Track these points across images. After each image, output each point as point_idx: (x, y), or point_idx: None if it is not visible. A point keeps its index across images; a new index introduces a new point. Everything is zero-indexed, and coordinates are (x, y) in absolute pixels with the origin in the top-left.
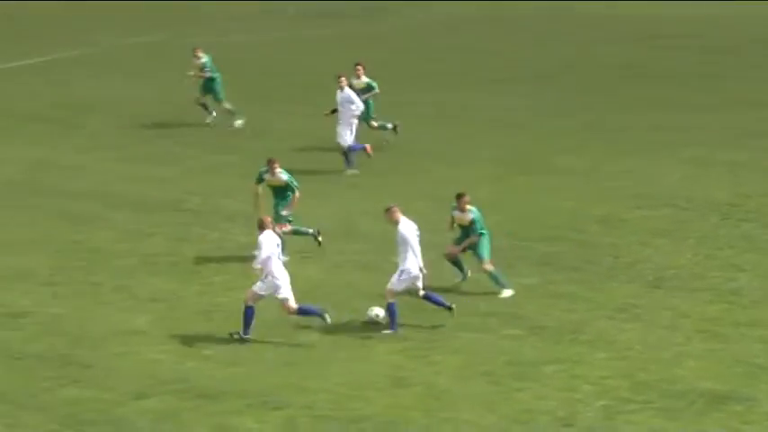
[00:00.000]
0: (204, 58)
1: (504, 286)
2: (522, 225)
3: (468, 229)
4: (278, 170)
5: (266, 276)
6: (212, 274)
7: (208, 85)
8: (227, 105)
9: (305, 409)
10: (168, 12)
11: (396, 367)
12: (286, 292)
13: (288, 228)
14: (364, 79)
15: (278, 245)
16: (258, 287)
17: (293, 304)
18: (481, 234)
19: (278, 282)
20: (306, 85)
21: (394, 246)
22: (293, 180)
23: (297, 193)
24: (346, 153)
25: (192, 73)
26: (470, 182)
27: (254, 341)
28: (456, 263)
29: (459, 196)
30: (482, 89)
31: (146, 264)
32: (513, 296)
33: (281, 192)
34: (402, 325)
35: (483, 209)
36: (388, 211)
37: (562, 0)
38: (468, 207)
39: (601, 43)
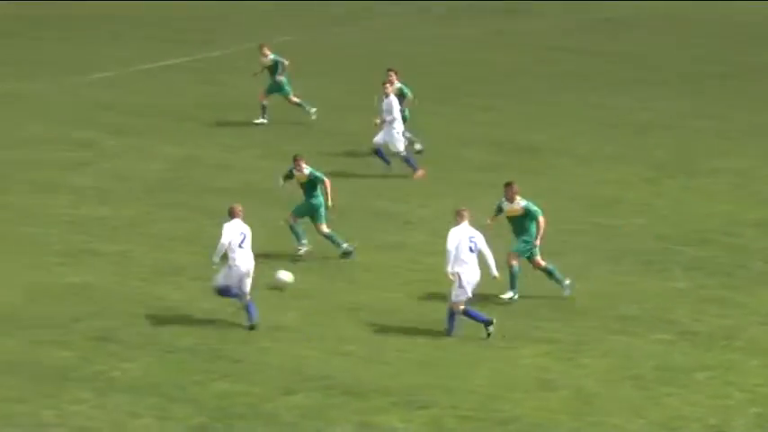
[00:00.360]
0: (272, 56)
1: (512, 287)
2: (673, 228)
3: (518, 222)
4: (303, 167)
5: (230, 266)
6: (358, 272)
7: (274, 85)
8: (266, 102)
9: (450, 409)
10: (319, 10)
11: (542, 369)
12: (223, 279)
13: (324, 228)
14: (397, 85)
15: (242, 233)
16: (222, 276)
17: (218, 285)
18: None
19: (241, 270)
20: (451, 85)
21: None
22: (315, 172)
23: (326, 180)
24: (406, 159)
25: (259, 71)
26: (620, 184)
27: (399, 340)
28: (548, 273)
29: (508, 185)
30: (628, 91)
31: (293, 261)
32: (515, 300)
33: (311, 187)
34: (546, 328)
35: (633, 211)
36: (457, 213)
37: (711, 0)
38: (518, 197)
39: (748, 44)
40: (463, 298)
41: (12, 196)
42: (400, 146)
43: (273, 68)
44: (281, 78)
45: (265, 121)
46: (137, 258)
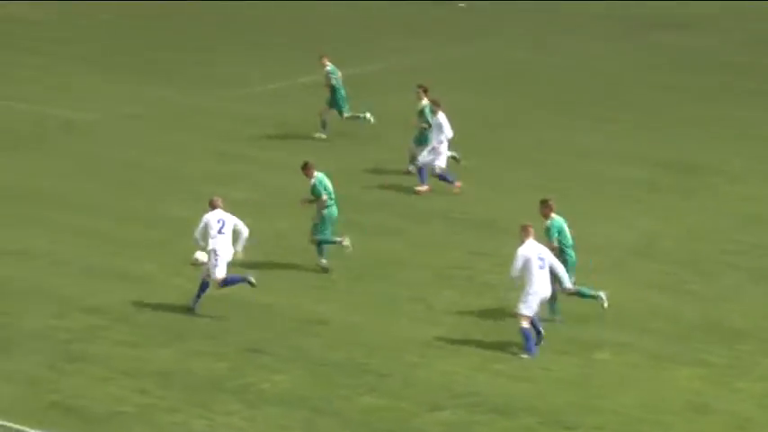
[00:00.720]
0: (329, 67)
1: (595, 297)
2: None
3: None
4: (311, 176)
5: (211, 252)
6: (505, 290)
7: (332, 98)
8: (348, 114)
9: (595, 430)
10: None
11: (695, 392)
12: (219, 272)
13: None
14: (424, 102)
15: (218, 221)
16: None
17: (219, 277)
18: (562, 249)
19: (214, 259)
20: (607, 101)
21: (692, 269)
22: (315, 188)
23: (323, 197)
24: (420, 170)
25: (324, 83)
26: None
27: (547, 358)
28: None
29: (543, 202)
30: None
31: (441, 276)
32: (608, 300)
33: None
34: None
35: None
36: (523, 228)
37: None
38: (553, 215)
39: None
40: (528, 312)
41: (168, 208)
42: (427, 158)
43: (327, 78)
44: (338, 89)
45: (324, 137)
46: (286, 272)
